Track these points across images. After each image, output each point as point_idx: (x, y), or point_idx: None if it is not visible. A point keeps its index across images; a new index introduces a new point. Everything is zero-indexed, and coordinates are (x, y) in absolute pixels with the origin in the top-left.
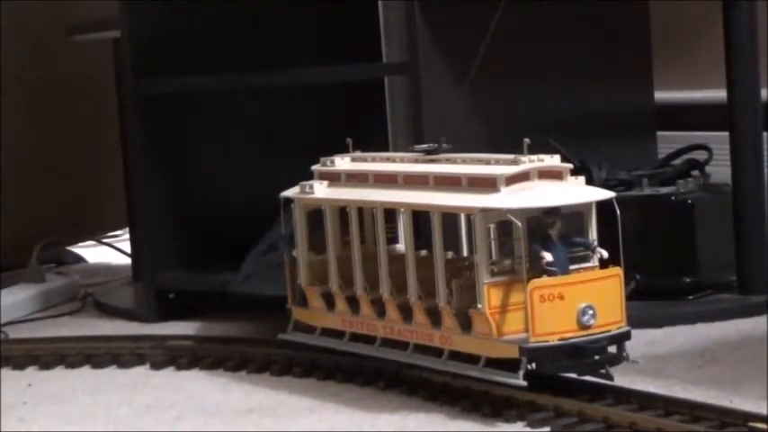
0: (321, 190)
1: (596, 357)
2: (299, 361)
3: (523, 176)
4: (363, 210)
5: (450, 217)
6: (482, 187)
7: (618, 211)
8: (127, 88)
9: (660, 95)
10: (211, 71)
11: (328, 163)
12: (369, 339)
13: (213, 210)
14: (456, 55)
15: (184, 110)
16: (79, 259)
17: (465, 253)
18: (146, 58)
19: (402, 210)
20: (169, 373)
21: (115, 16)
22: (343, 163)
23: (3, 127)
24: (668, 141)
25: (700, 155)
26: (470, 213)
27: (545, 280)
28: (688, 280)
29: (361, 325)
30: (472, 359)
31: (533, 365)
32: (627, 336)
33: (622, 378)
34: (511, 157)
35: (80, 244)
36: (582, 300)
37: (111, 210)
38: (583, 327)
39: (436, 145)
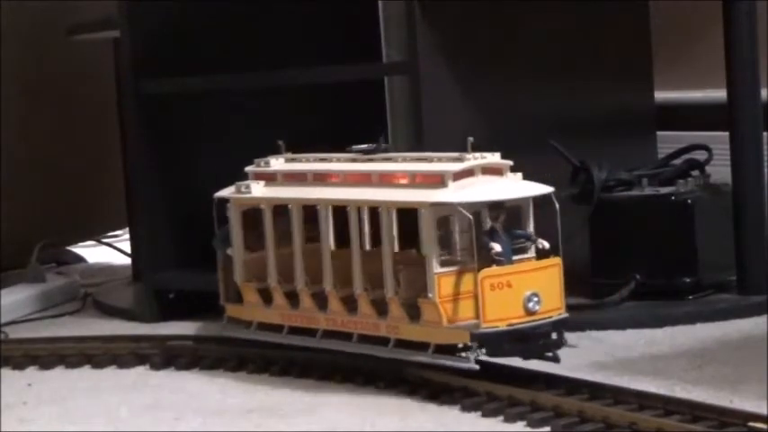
0: (259, 189)
1: (541, 342)
2: (300, 361)
3: (469, 173)
4: (306, 207)
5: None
6: (430, 183)
7: (557, 205)
8: (127, 88)
9: (660, 95)
10: (211, 71)
11: (262, 164)
12: (310, 332)
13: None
14: (456, 55)
15: (184, 110)
16: (79, 259)
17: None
18: (146, 58)
19: (348, 207)
20: (169, 373)
21: (115, 16)
22: (278, 164)
23: (3, 127)
24: (668, 141)
25: (700, 155)
26: (421, 208)
27: (495, 269)
28: (688, 280)
29: (302, 318)
30: (419, 347)
31: (483, 350)
32: (566, 322)
33: (622, 378)
34: (452, 154)
35: (80, 244)
36: (528, 288)
37: (111, 210)
38: (529, 313)
39: (375, 145)
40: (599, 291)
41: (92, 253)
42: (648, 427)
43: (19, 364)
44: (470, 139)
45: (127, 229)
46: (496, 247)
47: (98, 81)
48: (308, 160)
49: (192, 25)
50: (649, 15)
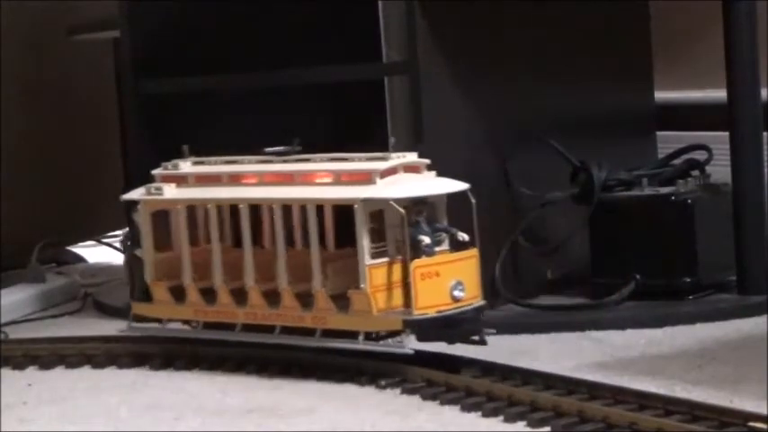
0: (171, 192)
1: (466, 327)
2: (300, 361)
3: (393, 170)
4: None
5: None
6: (360, 181)
7: (474, 201)
8: (127, 88)
9: (660, 95)
10: (211, 71)
11: (170, 167)
12: (227, 327)
13: None
14: (456, 55)
15: (184, 110)
16: (79, 259)
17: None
18: (146, 58)
19: (274, 205)
20: (169, 373)
21: (115, 16)
22: (186, 166)
23: (2, 127)
24: (668, 141)
25: (700, 155)
26: (353, 204)
27: (425, 260)
28: (688, 280)
29: (218, 313)
30: (345, 335)
31: (414, 336)
32: (485, 308)
33: (622, 378)
34: (370, 154)
35: (80, 244)
36: (453, 277)
37: (111, 210)
38: (454, 300)
39: (289, 147)
40: (599, 291)
41: (92, 253)
42: (648, 427)
43: (19, 364)
44: (392, 139)
45: (127, 229)
46: (425, 240)
47: (98, 81)
48: (216, 163)
49: (192, 25)
50: (649, 15)
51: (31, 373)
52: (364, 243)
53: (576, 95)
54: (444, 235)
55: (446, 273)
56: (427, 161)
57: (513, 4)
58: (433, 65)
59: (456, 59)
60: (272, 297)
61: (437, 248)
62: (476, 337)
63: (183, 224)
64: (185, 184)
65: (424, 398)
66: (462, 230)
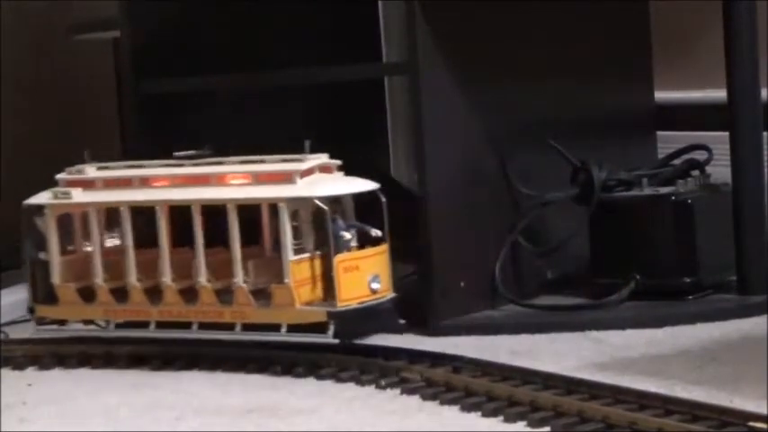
0: (80, 195)
1: (383, 317)
2: (300, 361)
3: (310, 171)
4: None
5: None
6: (279, 181)
7: (384, 200)
8: (127, 88)
9: (660, 95)
10: (211, 71)
11: (74, 172)
12: (140, 325)
13: None
14: (456, 55)
15: (184, 110)
16: None
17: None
18: (146, 58)
19: (192, 206)
20: (169, 373)
21: (115, 16)
22: (92, 171)
23: (2, 127)
24: (668, 141)
25: (700, 155)
26: (278, 203)
27: (347, 254)
28: (688, 280)
29: (130, 312)
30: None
31: (337, 326)
32: (396, 299)
33: (622, 378)
34: (281, 156)
35: None
36: (371, 270)
37: None
38: (372, 292)
39: (200, 151)
40: (599, 291)
41: None
42: (648, 427)
43: (19, 365)
44: (307, 141)
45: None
46: (347, 236)
47: (98, 81)
48: (120, 167)
49: (192, 25)
50: (649, 15)
51: (31, 373)
52: (288, 240)
53: (576, 95)
54: (354, 231)
55: (365, 267)
56: (338, 162)
57: (513, 4)
58: (433, 65)
59: (456, 59)
60: (190, 294)
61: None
62: (395, 325)
63: (95, 226)
64: (93, 187)
65: (424, 398)
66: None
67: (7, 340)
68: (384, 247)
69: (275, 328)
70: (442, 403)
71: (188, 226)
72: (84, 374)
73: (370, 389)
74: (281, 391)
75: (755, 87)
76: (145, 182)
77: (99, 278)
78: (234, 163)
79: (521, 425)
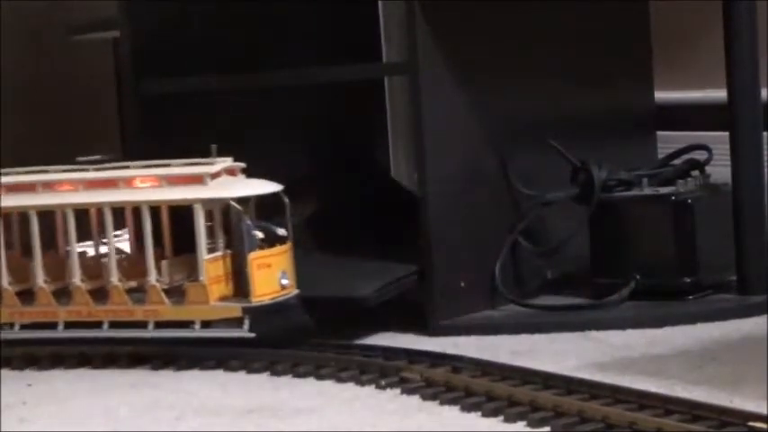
0: None
1: (292, 311)
2: (301, 361)
3: (219, 173)
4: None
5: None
6: (190, 183)
7: (287, 201)
8: (127, 88)
9: (660, 95)
10: (211, 71)
11: None
12: (48, 326)
13: None
14: (456, 55)
15: (184, 110)
16: None
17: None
18: (146, 58)
19: (103, 208)
20: (169, 373)
21: (115, 16)
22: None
23: (2, 127)
24: (668, 141)
25: (700, 155)
26: (194, 204)
27: (260, 252)
28: (688, 280)
29: (37, 314)
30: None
31: (252, 321)
32: (300, 296)
33: (622, 378)
34: (180, 161)
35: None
36: (280, 267)
37: None
38: (282, 288)
39: (104, 156)
40: (599, 291)
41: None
42: (648, 427)
43: (19, 365)
44: (214, 146)
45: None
46: (259, 234)
47: (98, 81)
48: (24, 173)
49: (192, 25)
50: (649, 15)
51: (31, 373)
52: (202, 240)
53: (576, 95)
54: (272, 232)
55: (275, 264)
56: (242, 165)
57: (513, 3)
58: (433, 65)
59: (456, 59)
60: (100, 295)
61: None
62: (303, 321)
63: (3, 230)
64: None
65: (424, 398)
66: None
67: (7, 340)
68: (288, 246)
69: (188, 324)
70: (442, 403)
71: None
72: (84, 374)
73: (370, 389)
74: (281, 391)
75: (755, 87)
76: (50, 186)
77: (5, 281)
78: (139, 167)
79: (521, 425)
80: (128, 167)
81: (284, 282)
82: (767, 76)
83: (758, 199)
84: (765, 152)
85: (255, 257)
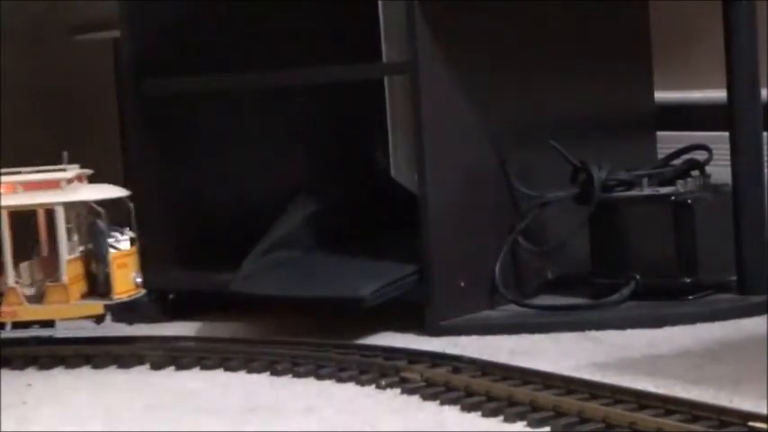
0: None
1: (145, 307)
2: (301, 361)
3: (73, 179)
4: None
5: None
6: (49, 188)
7: (131, 206)
8: (127, 88)
9: (660, 95)
10: (211, 71)
11: None
12: None
13: (213, 210)
14: (456, 55)
15: (184, 110)
16: None
17: None
18: (146, 58)
19: None
20: (169, 373)
21: (115, 16)
22: None
23: (2, 127)
24: (668, 141)
25: (700, 155)
26: (55, 207)
27: (119, 252)
28: (688, 280)
29: None
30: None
31: (114, 317)
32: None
33: (622, 378)
34: (31, 168)
35: None
36: (133, 267)
37: (111, 210)
38: (137, 286)
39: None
40: (599, 291)
41: None
42: (648, 427)
43: (19, 365)
44: (65, 153)
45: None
46: (119, 236)
47: (98, 81)
48: None
49: (193, 25)
50: (649, 15)
51: (31, 373)
52: (63, 241)
53: (576, 95)
54: (122, 234)
55: (130, 264)
56: (90, 171)
57: (513, 3)
58: (433, 65)
59: (456, 59)
60: None
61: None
62: (150, 317)
63: None
64: None
65: (424, 398)
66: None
67: (7, 340)
68: (135, 248)
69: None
70: (442, 403)
71: None
72: (85, 374)
73: (370, 389)
74: (281, 391)
75: (755, 87)
76: None
77: None
78: None
79: (521, 425)
80: None
81: (138, 280)
82: (767, 76)
83: (758, 199)
84: (765, 152)
85: (116, 257)
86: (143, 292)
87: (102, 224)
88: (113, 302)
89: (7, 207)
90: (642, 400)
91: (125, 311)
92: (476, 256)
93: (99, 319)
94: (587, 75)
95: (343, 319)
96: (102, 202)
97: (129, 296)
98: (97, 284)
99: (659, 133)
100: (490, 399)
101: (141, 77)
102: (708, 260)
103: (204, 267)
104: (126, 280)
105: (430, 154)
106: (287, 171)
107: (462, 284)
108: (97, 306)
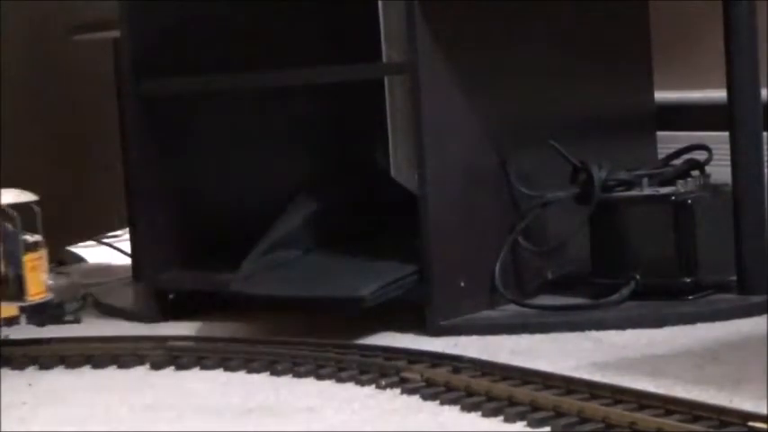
0: None
1: (54, 309)
2: (301, 361)
3: None
4: None
5: None
6: None
7: (38, 210)
8: (127, 88)
9: (660, 95)
10: (211, 71)
11: None
12: None
13: (213, 209)
14: (456, 55)
15: (184, 110)
16: (79, 259)
17: None
18: (146, 58)
19: None
20: (169, 373)
21: (115, 16)
22: None
23: (2, 127)
24: (668, 141)
25: (700, 155)
26: None
27: (32, 255)
28: (688, 280)
29: None
30: None
31: (28, 318)
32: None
33: (622, 378)
34: None
35: (80, 244)
36: (43, 270)
37: (112, 210)
38: (47, 289)
39: None
40: (599, 291)
41: (92, 253)
42: (648, 427)
43: (19, 365)
44: None
45: (127, 229)
46: (29, 239)
47: (98, 81)
48: None
49: (193, 25)
50: (649, 15)
51: (31, 373)
52: None
53: (576, 95)
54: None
55: (40, 267)
56: None
57: (513, 4)
58: (433, 65)
59: (456, 59)
60: None
61: None
62: (69, 318)
63: None
64: None
65: (424, 398)
66: None
67: (7, 340)
68: (45, 251)
69: None
70: (442, 403)
71: None
72: (85, 374)
73: (370, 389)
74: (281, 391)
75: (755, 87)
76: None
77: None
78: None
79: (521, 425)
80: None
81: (49, 282)
82: (767, 76)
83: (758, 199)
84: (765, 152)
85: (29, 260)
86: (52, 295)
87: (12, 227)
88: (27, 304)
89: None
90: (642, 400)
91: (37, 314)
92: (476, 256)
93: (12, 320)
94: (587, 75)
95: (343, 319)
96: (13, 206)
97: (42, 298)
98: (8, 287)
99: (659, 133)
100: (490, 399)
101: (141, 77)
102: (708, 260)
103: (204, 267)
104: (38, 282)
105: (430, 154)
106: (287, 171)
107: (462, 284)
108: (12, 308)
